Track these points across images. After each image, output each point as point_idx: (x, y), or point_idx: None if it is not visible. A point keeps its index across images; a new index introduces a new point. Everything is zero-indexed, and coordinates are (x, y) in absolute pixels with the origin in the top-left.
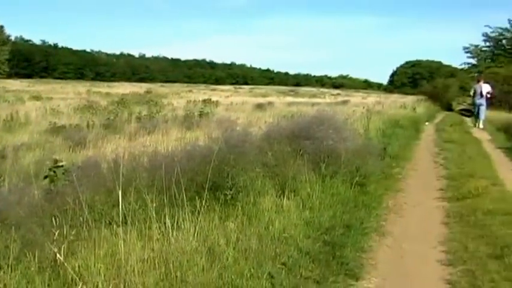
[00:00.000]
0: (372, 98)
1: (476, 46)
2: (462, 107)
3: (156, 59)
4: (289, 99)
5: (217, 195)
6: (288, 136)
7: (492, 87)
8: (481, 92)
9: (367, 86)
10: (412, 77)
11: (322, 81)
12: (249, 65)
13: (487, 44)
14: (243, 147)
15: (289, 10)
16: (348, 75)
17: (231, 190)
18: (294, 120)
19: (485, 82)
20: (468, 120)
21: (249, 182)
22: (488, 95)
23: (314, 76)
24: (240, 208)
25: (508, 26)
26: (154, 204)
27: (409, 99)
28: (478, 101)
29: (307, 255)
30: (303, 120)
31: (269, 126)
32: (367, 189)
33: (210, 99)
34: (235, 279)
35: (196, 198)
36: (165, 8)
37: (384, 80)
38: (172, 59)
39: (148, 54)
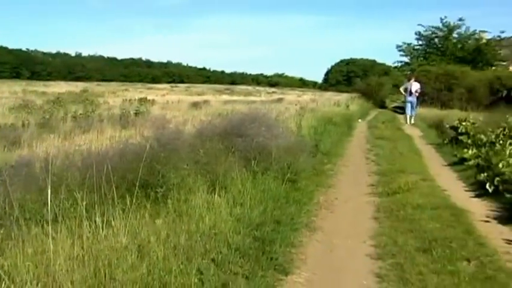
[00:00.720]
0: (307, 96)
1: (409, 44)
2: (395, 104)
3: (92, 57)
4: (225, 97)
5: (148, 193)
6: (220, 134)
7: (421, 85)
8: (410, 90)
9: (302, 84)
10: (347, 75)
11: (258, 80)
12: (185, 64)
13: (420, 42)
14: (175, 145)
15: (225, 9)
16: (283, 74)
17: (162, 188)
18: (226, 117)
19: (416, 80)
20: (401, 117)
21: (180, 180)
22: (417, 94)
23: (250, 74)
24: (170, 205)
25: (440, 25)
26: (84, 202)
27: (343, 97)
28: (409, 98)
29: (237, 251)
30: (235, 117)
31: (202, 124)
32: (298, 185)
33: (146, 98)
34: (164, 275)
35: (127, 196)
36: (101, 6)
37: (319, 78)
38: (108, 57)
39: (84, 53)
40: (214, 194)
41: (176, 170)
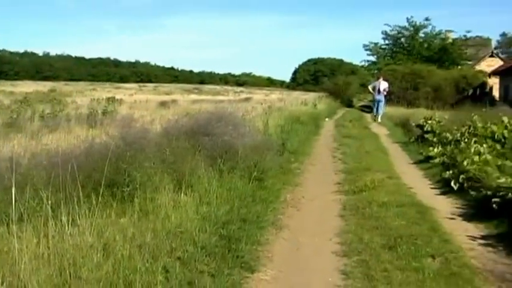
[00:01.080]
0: (275, 95)
1: (376, 44)
2: (362, 103)
3: (60, 57)
4: (193, 97)
5: (114, 192)
6: (187, 132)
7: (389, 84)
8: (379, 89)
9: (270, 83)
10: (314, 74)
11: (226, 79)
12: (153, 64)
13: (386, 42)
14: (141, 144)
15: (192, 9)
16: (251, 73)
17: (128, 187)
18: (193, 116)
19: (384, 79)
20: (368, 116)
21: (147, 179)
22: (385, 92)
23: (218, 74)
24: (137, 204)
25: (406, 24)
26: (50, 202)
27: (311, 96)
28: (377, 97)
29: (203, 249)
30: (201, 116)
31: (168, 123)
32: (265, 184)
33: (114, 98)
34: (129, 274)
35: (93, 195)
36: (69, 6)
37: (287, 78)
38: (76, 57)
39: (52, 53)
40: (181, 193)
41: (142, 168)
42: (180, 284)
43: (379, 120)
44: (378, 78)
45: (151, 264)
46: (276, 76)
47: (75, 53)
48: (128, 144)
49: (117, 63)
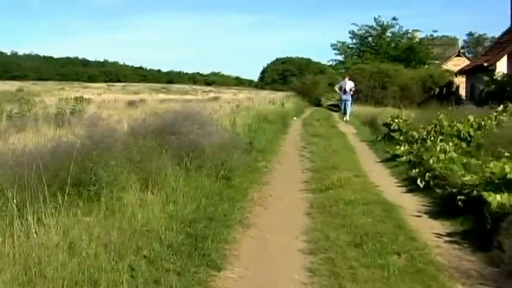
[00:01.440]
0: (243, 95)
1: (344, 43)
2: (330, 102)
3: (28, 56)
4: (162, 96)
5: (80, 191)
6: (154, 131)
7: (355, 84)
8: (345, 88)
9: (238, 82)
10: (282, 74)
11: (194, 79)
12: (121, 63)
13: (354, 41)
14: (108, 143)
15: (161, 9)
16: (219, 72)
17: (94, 186)
18: (160, 115)
19: (350, 79)
20: (336, 115)
21: (113, 178)
22: (351, 92)
23: (187, 73)
24: (103, 203)
25: (374, 24)
26: (16, 201)
27: (279, 95)
28: (344, 96)
29: (170, 248)
30: (168, 115)
31: (135, 122)
32: (232, 182)
33: (82, 97)
34: (95, 272)
35: (59, 194)
36: (37, 5)
37: (255, 77)
38: (44, 56)
39: (20, 52)
40: (147, 192)
41: (109, 168)
42: (146, 282)
43: (347, 119)
44: (344, 78)
45: (117, 262)
46: (245, 75)
47: (43, 52)
48: (95, 144)
49: (85, 62)
